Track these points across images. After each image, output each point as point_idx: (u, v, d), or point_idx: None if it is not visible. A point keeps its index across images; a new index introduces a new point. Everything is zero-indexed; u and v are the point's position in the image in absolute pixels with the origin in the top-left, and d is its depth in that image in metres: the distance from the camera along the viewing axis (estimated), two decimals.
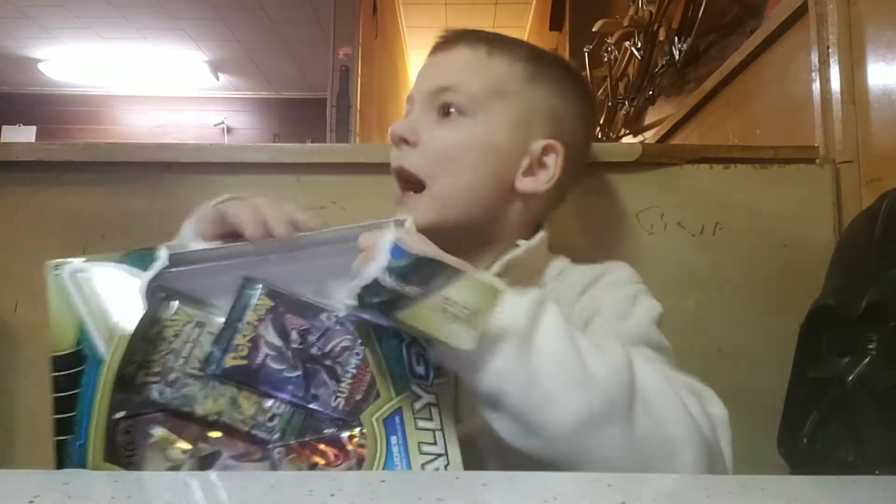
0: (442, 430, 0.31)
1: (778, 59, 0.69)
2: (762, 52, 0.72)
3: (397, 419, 0.31)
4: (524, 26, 2.82)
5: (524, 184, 0.42)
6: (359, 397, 0.32)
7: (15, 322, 0.57)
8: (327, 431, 0.31)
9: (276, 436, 0.31)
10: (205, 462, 0.31)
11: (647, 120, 1.28)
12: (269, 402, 0.32)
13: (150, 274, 0.32)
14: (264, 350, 0.32)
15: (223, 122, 3.64)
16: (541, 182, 0.42)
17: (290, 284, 0.34)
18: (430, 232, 0.40)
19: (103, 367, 0.30)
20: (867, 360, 0.41)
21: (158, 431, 0.31)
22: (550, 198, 0.45)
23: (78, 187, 0.58)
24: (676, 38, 1.07)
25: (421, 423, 0.31)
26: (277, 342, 0.32)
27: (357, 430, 0.31)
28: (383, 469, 0.30)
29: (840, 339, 0.44)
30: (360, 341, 0.33)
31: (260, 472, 0.30)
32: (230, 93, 3.66)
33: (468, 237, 0.42)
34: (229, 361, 0.32)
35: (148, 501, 0.22)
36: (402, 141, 0.42)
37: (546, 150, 0.43)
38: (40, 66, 3.35)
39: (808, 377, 0.46)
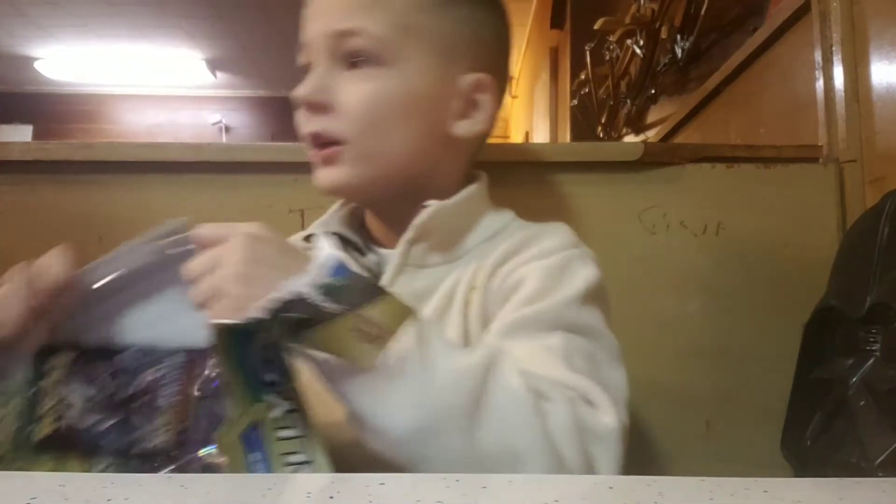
0: (306, 435, 0.29)
1: (781, 57, 0.69)
2: (765, 51, 0.72)
3: (256, 433, 0.28)
4: (525, 24, 2.82)
5: (461, 129, 0.38)
6: (182, 427, 0.29)
7: None
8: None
9: None
10: None
11: (649, 119, 1.27)
12: (96, 460, 0.29)
13: None
14: (77, 407, 0.29)
15: (221, 122, 3.63)
16: (477, 123, 0.39)
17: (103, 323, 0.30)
18: (359, 192, 0.39)
19: None
20: (871, 361, 0.41)
21: None
22: (480, 141, 0.41)
23: (74, 186, 0.58)
24: (678, 37, 1.06)
25: (282, 433, 0.29)
26: (88, 393, 0.29)
27: (210, 450, 0.28)
28: None
29: (844, 340, 0.44)
30: (174, 368, 0.29)
31: (258, 475, 0.30)
32: (228, 91, 3.65)
33: (402, 196, 0.38)
34: (41, 432, 0.29)
35: (145, 503, 0.22)
36: (314, 107, 0.37)
37: (476, 87, 0.39)
38: (37, 64, 3.34)
39: (812, 378, 0.46)
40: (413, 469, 0.28)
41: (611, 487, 0.24)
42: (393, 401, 0.27)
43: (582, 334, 0.34)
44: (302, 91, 0.38)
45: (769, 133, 0.72)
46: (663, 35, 1.11)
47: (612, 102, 1.41)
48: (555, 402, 0.29)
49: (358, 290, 0.28)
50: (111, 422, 0.29)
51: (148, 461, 0.29)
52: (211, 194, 0.58)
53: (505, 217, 0.41)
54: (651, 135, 1.20)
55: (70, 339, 0.31)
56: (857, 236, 0.48)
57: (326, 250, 0.29)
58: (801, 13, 0.63)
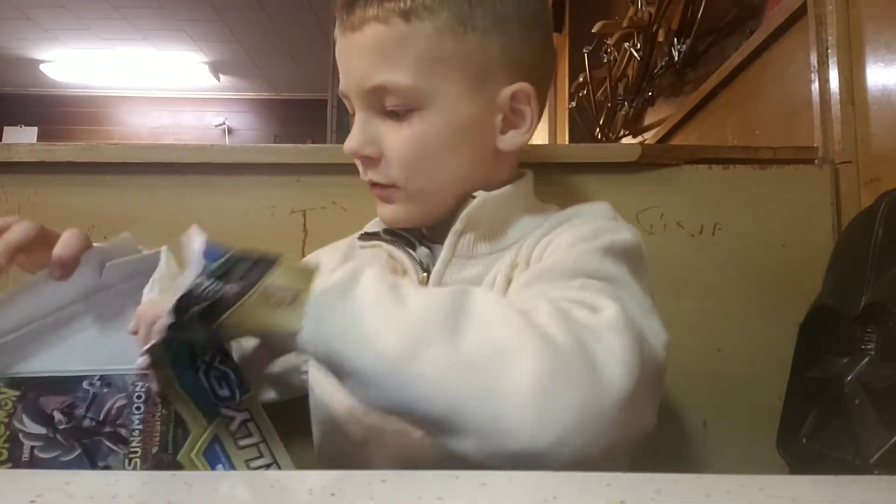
0: (264, 440, 0.31)
1: (777, 59, 0.69)
2: (761, 53, 0.72)
3: (217, 447, 0.30)
4: None
5: (506, 142, 0.39)
6: (156, 449, 0.31)
7: None
8: None
9: None
10: None
11: (647, 121, 1.28)
12: None
13: None
14: (28, 444, 0.30)
15: (224, 123, 3.65)
16: (522, 134, 0.39)
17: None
18: (417, 223, 0.40)
19: None
20: (866, 360, 0.41)
21: None
22: (525, 146, 0.42)
23: (79, 188, 0.58)
24: (676, 39, 1.07)
25: (242, 442, 0.31)
26: (40, 430, 0.30)
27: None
28: None
29: (839, 339, 0.44)
30: (137, 394, 0.31)
31: (261, 472, 0.30)
32: (231, 94, 3.66)
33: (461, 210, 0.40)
34: None
35: (149, 501, 0.23)
36: (364, 158, 0.39)
37: (516, 98, 0.38)
38: (42, 67, 3.36)
39: (807, 377, 0.46)
40: (406, 404, 0.28)
41: (609, 484, 0.24)
42: (371, 330, 0.28)
43: (605, 280, 0.33)
44: (349, 145, 0.39)
45: (765, 135, 0.72)
46: (660, 38, 1.11)
47: (609, 105, 1.41)
48: (541, 303, 0.29)
49: (249, 265, 0.28)
50: (73, 455, 0.30)
51: None
52: (214, 195, 0.59)
53: (550, 209, 0.42)
54: (648, 136, 1.20)
55: (12, 374, 0.31)
56: (852, 237, 0.48)
57: (194, 242, 0.29)
58: (797, 16, 0.63)
